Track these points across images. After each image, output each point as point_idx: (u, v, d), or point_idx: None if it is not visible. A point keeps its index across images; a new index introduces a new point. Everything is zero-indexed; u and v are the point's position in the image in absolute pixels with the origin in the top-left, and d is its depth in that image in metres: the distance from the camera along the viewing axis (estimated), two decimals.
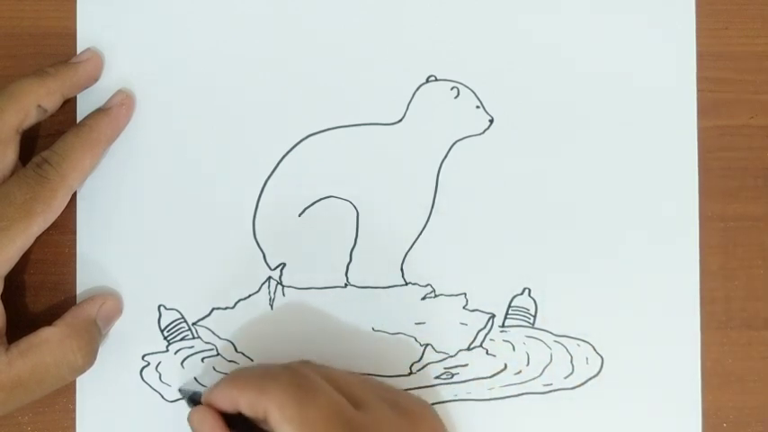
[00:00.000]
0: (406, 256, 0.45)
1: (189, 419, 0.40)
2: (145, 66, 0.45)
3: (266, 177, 0.45)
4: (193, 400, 0.42)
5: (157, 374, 0.45)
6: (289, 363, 0.41)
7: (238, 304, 0.45)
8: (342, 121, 0.45)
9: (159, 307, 0.45)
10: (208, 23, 0.46)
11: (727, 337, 0.46)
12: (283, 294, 0.45)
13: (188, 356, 0.45)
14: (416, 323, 0.45)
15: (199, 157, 0.45)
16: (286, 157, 0.45)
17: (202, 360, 0.45)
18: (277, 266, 0.45)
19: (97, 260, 0.45)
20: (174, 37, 0.46)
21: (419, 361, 0.45)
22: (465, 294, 0.45)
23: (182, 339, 0.45)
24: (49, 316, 0.43)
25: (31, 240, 0.41)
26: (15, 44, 0.46)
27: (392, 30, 0.46)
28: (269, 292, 0.45)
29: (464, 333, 0.45)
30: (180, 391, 0.44)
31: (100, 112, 0.44)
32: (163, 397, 0.45)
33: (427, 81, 0.46)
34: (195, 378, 0.45)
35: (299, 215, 0.45)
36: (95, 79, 0.45)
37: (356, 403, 0.39)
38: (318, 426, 0.37)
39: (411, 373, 0.45)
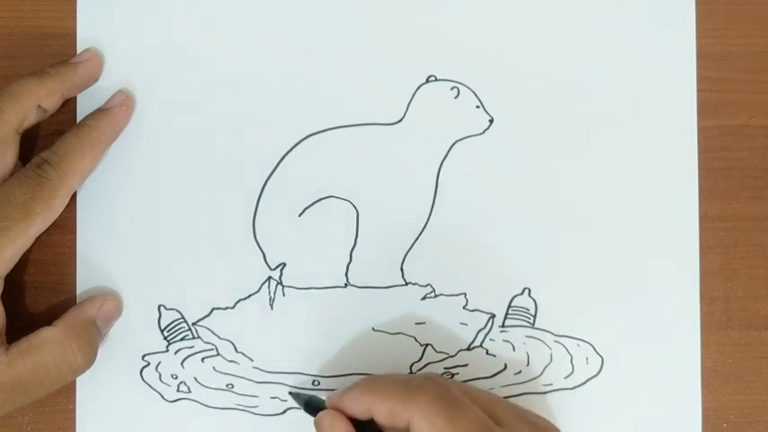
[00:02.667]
0: (406, 256, 0.45)
1: (317, 423, 0.40)
2: (145, 66, 0.45)
3: (266, 177, 0.45)
4: (309, 404, 0.41)
5: (157, 374, 0.45)
6: (425, 374, 0.41)
7: (238, 304, 0.45)
8: (342, 121, 0.45)
9: (159, 307, 0.45)
10: (208, 24, 0.46)
11: (727, 337, 0.46)
12: (283, 294, 0.45)
13: (188, 356, 0.45)
14: (416, 323, 0.45)
15: (199, 157, 0.45)
16: (286, 157, 0.45)
17: (202, 360, 0.45)
18: (277, 266, 0.45)
19: (97, 260, 0.45)
20: (174, 37, 0.46)
21: (419, 361, 0.45)
22: (465, 294, 0.45)
23: (182, 339, 0.45)
24: (49, 316, 0.43)
25: (31, 241, 0.41)
26: (15, 44, 0.46)
27: (392, 30, 0.46)
28: (269, 292, 0.45)
29: (464, 333, 0.45)
30: (292, 394, 0.44)
31: (100, 112, 0.44)
32: (163, 397, 0.45)
33: (427, 81, 0.46)
34: (195, 378, 0.45)
35: (299, 215, 0.45)
36: (95, 79, 0.45)
37: (497, 421, 0.39)
38: None
39: (411, 374, 0.45)
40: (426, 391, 0.38)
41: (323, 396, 0.42)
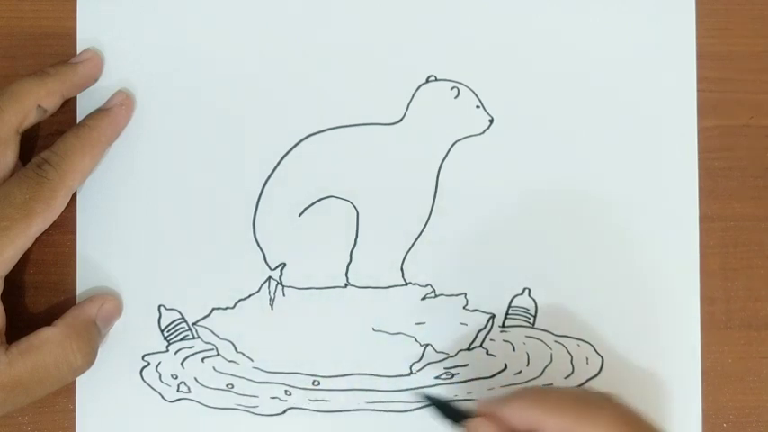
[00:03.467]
0: (406, 256, 0.45)
1: (471, 429, 0.38)
2: (145, 66, 0.45)
3: (266, 177, 0.45)
4: (446, 409, 0.40)
5: (157, 374, 0.45)
6: (599, 392, 0.39)
7: (238, 304, 0.45)
8: (342, 121, 0.45)
9: (159, 307, 0.45)
10: (208, 23, 0.46)
11: (727, 337, 0.45)
12: (283, 294, 0.45)
13: (188, 356, 0.45)
14: (416, 323, 0.45)
15: (199, 157, 0.45)
16: (286, 157, 0.45)
17: (202, 360, 0.45)
18: (277, 266, 0.45)
19: (97, 260, 0.45)
20: (174, 37, 0.46)
21: (419, 361, 0.45)
22: (465, 294, 0.45)
23: (182, 339, 0.45)
24: (49, 316, 0.43)
25: (31, 241, 0.41)
26: (15, 44, 0.46)
27: (392, 30, 0.46)
28: (269, 292, 0.45)
29: (464, 333, 0.45)
30: (428, 398, 0.42)
31: (100, 112, 0.44)
32: (163, 397, 0.45)
33: (427, 81, 0.46)
34: (195, 378, 0.45)
35: (299, 215, 0.45)
36: (95, 79, 0.45)
37: None
38: None
39: (411, 373, 0.45)
40: (606, 410, 0.36)
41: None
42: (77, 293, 0.45)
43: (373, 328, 0.45)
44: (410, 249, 0.45)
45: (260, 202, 0.45)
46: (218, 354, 0.45)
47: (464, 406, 0.40)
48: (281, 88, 0.45)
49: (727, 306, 0.46)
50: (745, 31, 0.46)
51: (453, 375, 0.45)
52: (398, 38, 0.46)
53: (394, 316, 0.45)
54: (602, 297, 0.45)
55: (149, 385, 0.45)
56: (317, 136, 0.45)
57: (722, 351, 0.45)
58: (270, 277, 0.45)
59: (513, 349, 0.45)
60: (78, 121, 0.45)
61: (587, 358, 0.45)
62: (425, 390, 0.44)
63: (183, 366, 0.45)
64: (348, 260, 0.45)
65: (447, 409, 0.40)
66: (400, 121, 0.45)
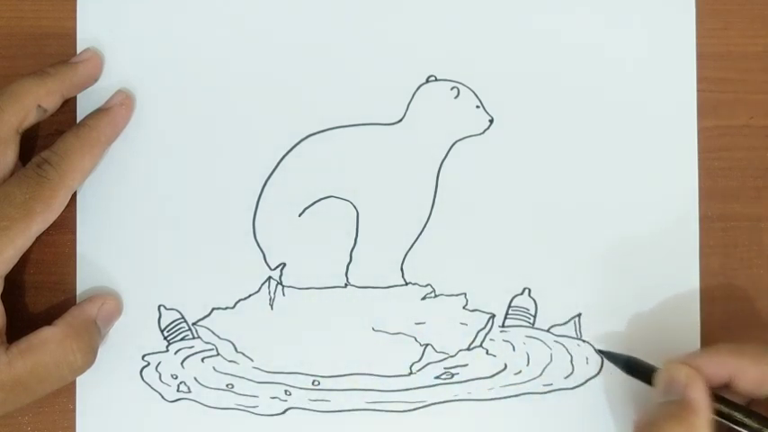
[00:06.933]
0: (406, 256, 0.45)
1: (670, 374, 0.39)
2: (145, 66, 0.45)
3: (266, 177, 0.45)
4: (630, 366, 0.42)
5: (157, 374, 0.45)
6: None
7: (238, 304, 0.45)
8: (342, 121, 0.45)
9: (159, 307, 0.45)
10: (208, 23, 0.46)
11: (727, 337, 0.45)
12: (283, 294, 0.45)
13: (188, 356, 0.45)
14: (416, 323, 0.45)
15: (198, 157, 0.45)
16: (286, 157, 0.45)
17: (202, 360, 0.45)
18: (277, 266, 0.45)
19: (97, 260, 0.45)
20: (174, 37, 0.46)
21: (419, 361, 0.45)
22: (465, 294, 0.45)
23: (182, 339, 0.45)
24: (49, 316, 0.43)
25: (31, 240, 0.41)
26: (15, 44, 0.46)
27: (392, 30, 0.46)
28: (269, 292, 0.45)
29: (464, 333, 0.45)
30: (603, 353, 0.44)
31: (100, 112, 0.44)
32: (163, 397, 0.45)
33: (427, 81, 0.46)
34: (195, 378, 0.45)
35: (299, 215, 0.45)
36: (95, 79, 0.45)
37: None
38: None
39: (411, 373, 0.45)
40: None
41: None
42: (77, 293, 0.45)
43: (373, 328, 0.45)
44: (410, 249, 0.45)
45: (260, 202, 0.45)
46: (218, 354, 0.45)
47: (644, 361, 0.42)
48: (281, 88, 0.45)
49: (727, 306, 0.46)
50: (745, 31, 0.46)
51: (453, 375, 0.45)
52: (398, 38, 0.46)
53: (394, 316, 0.45)
54: (602, 297, 0.45)
55: (149, 385, 0.45)
56: (317, 136, 0.45)
57: None
58: (270, 277, 0.45)
59: (513, 349, 0.45)
60: (78, 121, 0.45)
61: (587, 358, 0.45)
62: (609, 350, 0.44)
63: (183, 366, 0.45)
64: (348, 260, 0.45)
65: (636, 367, 0.42)
66: (400, 121, 0.45)
